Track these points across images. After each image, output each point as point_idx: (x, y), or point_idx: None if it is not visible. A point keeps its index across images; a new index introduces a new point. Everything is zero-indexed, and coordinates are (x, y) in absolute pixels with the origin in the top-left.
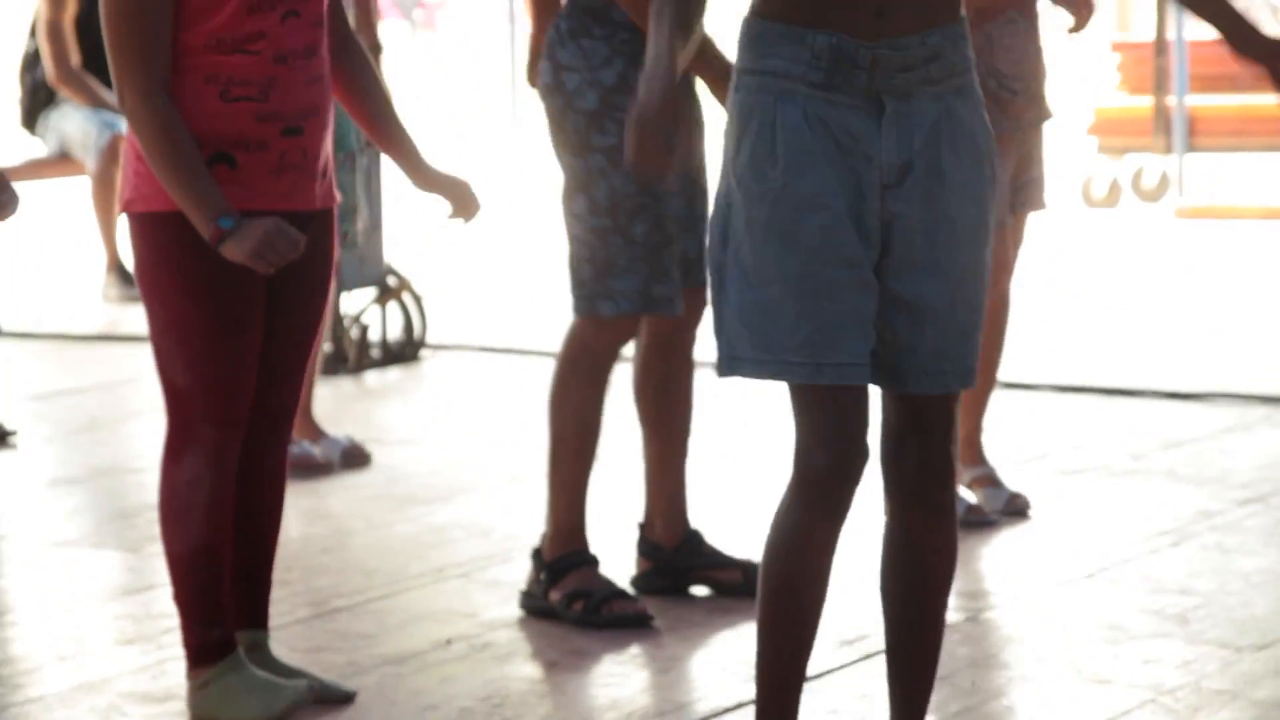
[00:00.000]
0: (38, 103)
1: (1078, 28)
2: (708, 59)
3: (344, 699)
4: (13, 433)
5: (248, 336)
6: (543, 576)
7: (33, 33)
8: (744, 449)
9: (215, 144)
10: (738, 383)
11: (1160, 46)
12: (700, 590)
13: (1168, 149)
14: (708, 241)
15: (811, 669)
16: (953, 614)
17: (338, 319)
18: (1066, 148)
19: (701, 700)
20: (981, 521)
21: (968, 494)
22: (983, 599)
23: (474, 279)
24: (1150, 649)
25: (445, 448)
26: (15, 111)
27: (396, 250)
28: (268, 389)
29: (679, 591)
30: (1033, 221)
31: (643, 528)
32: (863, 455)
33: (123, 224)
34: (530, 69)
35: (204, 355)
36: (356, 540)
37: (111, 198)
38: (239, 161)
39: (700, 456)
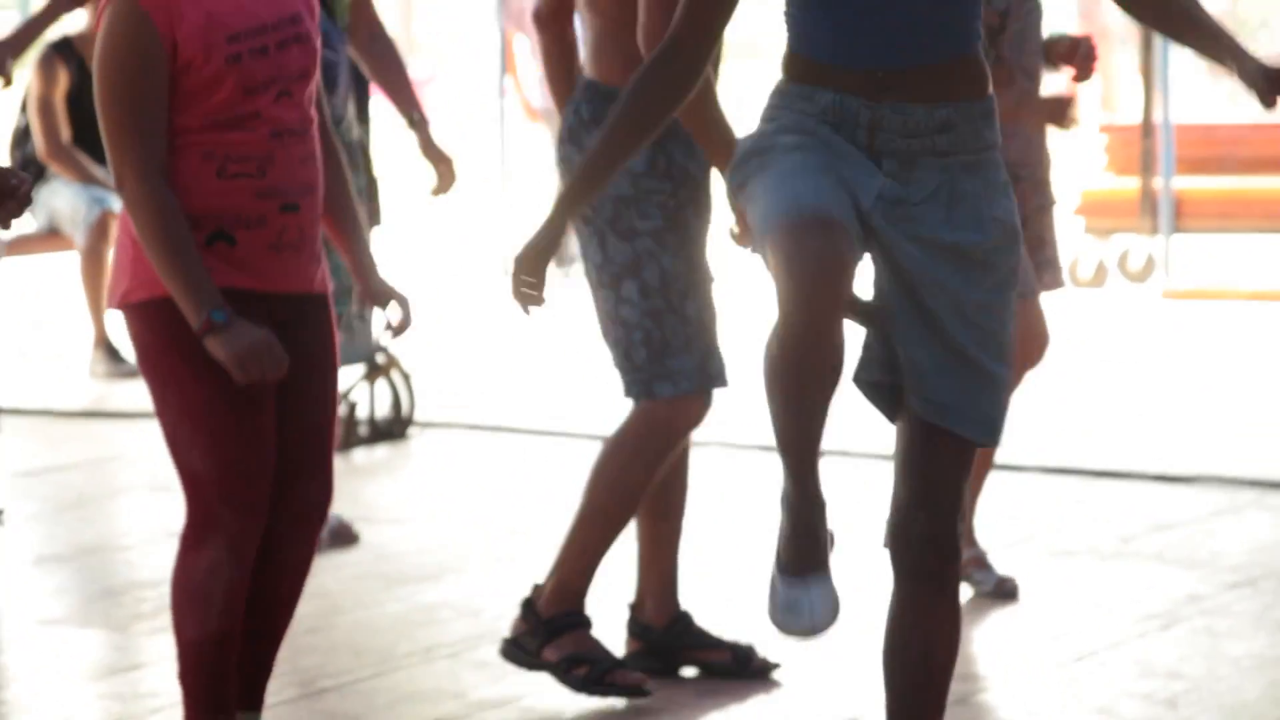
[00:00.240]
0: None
1: (1081, 78)
2: (710, 131)
3: None
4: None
5: (261, 417)
6: (537, 630)
7: (23, 108)
8: (727, 527)
9: (214, 222)
10: (718, 457)
11: (1147, 129)
12: (689, 671)
13: (1154, 230)
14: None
15: None
16: None
17: None
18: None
19: None
20: (1012, 593)
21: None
22: (974, 681)
23: (463, 357)
24: None
25: (434, 526)
26: None
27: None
28: (294, 482)
29: (669, 672)
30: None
31: (633, 608)
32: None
33: (114, 313)
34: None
35: (220, 437)
36: (344, 619)
37: (100, 274)
38: (238, 239)
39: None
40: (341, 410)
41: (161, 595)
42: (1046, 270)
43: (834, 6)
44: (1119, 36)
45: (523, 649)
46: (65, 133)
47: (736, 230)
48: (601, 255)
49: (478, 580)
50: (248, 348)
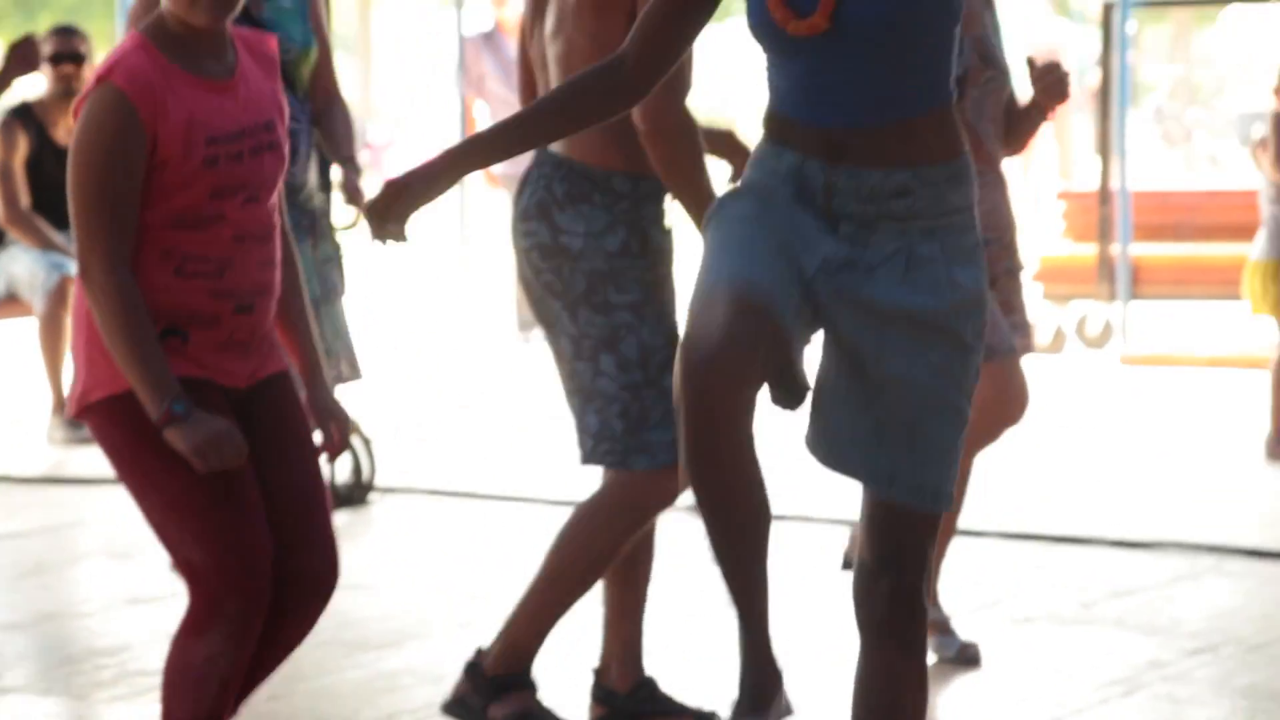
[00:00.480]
0: None
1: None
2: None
3: None
4: None
5: (249, 494)
6: (481, 689)
7: None
8: (694, 592)
9: (169, 318)
10: (685, 521)
11: (1104, 196)
12: None
13: (1111, 296)
14: None
15: None
16: None
17: None
18: None
19: None
20: (974, 659)
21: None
22: None
23: (423, 422)
24: None
25: (395, 592)
26: None
27: (345, 393)
28: (295, 554)
29: None
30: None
31: (597, 673)
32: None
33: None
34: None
35: (211, 526)
36: (306, 686)
37: (59, 339)
38: (191, 336)
39: (651, 600)
40: None
41: (121, 663)
42: (1017, 334)
43: (794, 60)
44: (1075, 104)
45: (467, 708)
46: (25, 199)
47: None
48: (575, 328)
49: (440, 646)
50: (205, 438)
